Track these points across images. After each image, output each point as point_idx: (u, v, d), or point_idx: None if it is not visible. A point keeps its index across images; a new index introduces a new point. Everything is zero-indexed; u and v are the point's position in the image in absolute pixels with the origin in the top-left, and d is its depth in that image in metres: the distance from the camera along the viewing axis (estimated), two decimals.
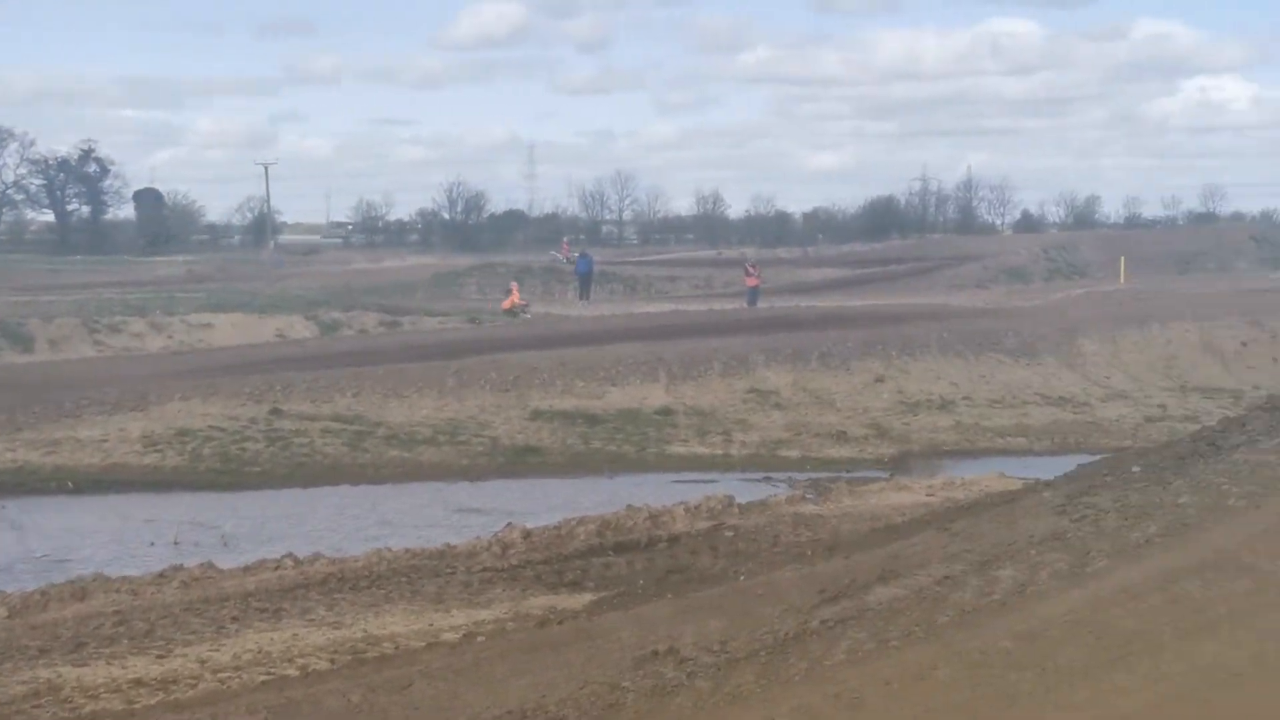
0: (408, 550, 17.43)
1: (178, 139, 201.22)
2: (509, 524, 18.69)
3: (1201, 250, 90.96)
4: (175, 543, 20.09)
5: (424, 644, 12.66)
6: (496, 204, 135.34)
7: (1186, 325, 39.81)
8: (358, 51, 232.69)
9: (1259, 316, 40.95)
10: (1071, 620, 10.22)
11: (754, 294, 55.33)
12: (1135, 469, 14.51)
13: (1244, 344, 38.82)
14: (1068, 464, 20.12)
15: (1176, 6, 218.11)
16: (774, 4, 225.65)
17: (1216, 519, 12.13)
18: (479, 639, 12.58)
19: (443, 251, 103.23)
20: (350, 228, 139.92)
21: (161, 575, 16.10)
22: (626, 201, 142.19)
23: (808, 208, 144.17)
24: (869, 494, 21.50)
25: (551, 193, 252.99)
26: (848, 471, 26.38)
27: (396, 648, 12.72)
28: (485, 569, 16.37)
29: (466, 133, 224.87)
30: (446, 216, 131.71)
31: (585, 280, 63.18)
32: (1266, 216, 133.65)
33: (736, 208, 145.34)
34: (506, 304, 52.18)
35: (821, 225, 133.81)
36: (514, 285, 56.04)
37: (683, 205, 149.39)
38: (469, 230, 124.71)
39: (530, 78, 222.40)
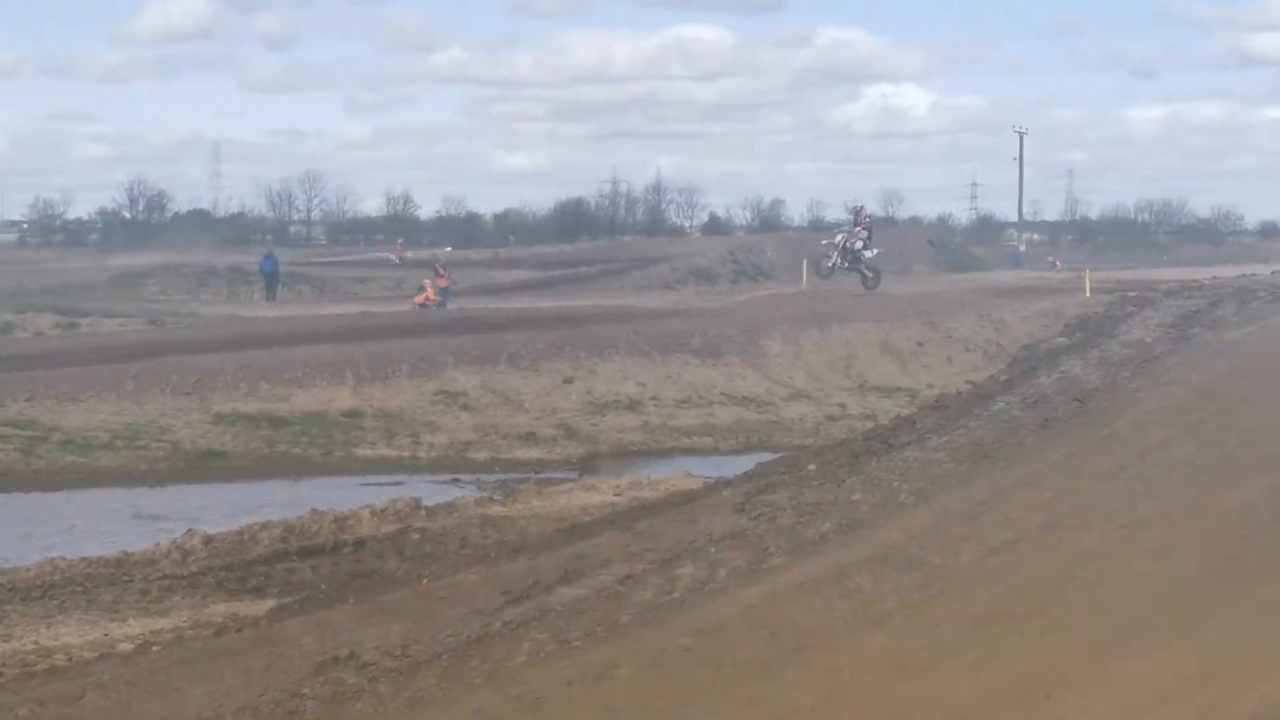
0: (83, 559, 16.88)
1: None
2: (190, 530, 18.26)
3: (881, 253, 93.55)
4: None
5: (97, 655, 12.30)
6: (181, 203, 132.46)
7: (866, 326, 40.88)
8: (36, 43, 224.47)
9: (934, 317, 42.32)
10: (749, 616, 10.44)
11: (444, 295, 55.11)
12: (811, 467, 14.85)
13: (920, 344, 40.06)
14: (752, 462, 20.47)
15: (860, 15, 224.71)
16: (467, 5, 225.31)
17: (888, 515, 12.50)
18: (155, 648, 12.27)
19: (123, 251, 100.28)
20: (25, 226, 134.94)
21: None
22: (315, 202, 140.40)
23: (499, 209, 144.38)
24: (557, 495, 21.57)
25: (238, 192, 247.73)
26: (536, 473, 26.45)
27: (69, 659, 12.34)
28: (164, 576, 15.98)
29: (150, 130, 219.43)
30: (128, 215, 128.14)
31: (271, 281, 62.13)
32: (943, 221, 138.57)
33: (427, 208, 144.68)
34: (420, 299, 52.36)
35: (513, 226, 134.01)
36: (427, 282, 55.02)
37: (373, 206, 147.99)
38: (151, 230, 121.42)
39: (217, 74, 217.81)
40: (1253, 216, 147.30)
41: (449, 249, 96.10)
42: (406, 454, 28.42)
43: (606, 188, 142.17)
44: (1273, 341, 15.13)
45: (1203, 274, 29.49)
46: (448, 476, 26.30)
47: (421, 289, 53.97)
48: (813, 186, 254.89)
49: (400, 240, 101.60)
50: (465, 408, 31.76)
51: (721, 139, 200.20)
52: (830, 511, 12.74)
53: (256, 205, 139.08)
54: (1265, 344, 15.16)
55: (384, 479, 25.82)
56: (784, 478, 14.70)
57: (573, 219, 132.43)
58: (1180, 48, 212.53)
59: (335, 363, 33.00)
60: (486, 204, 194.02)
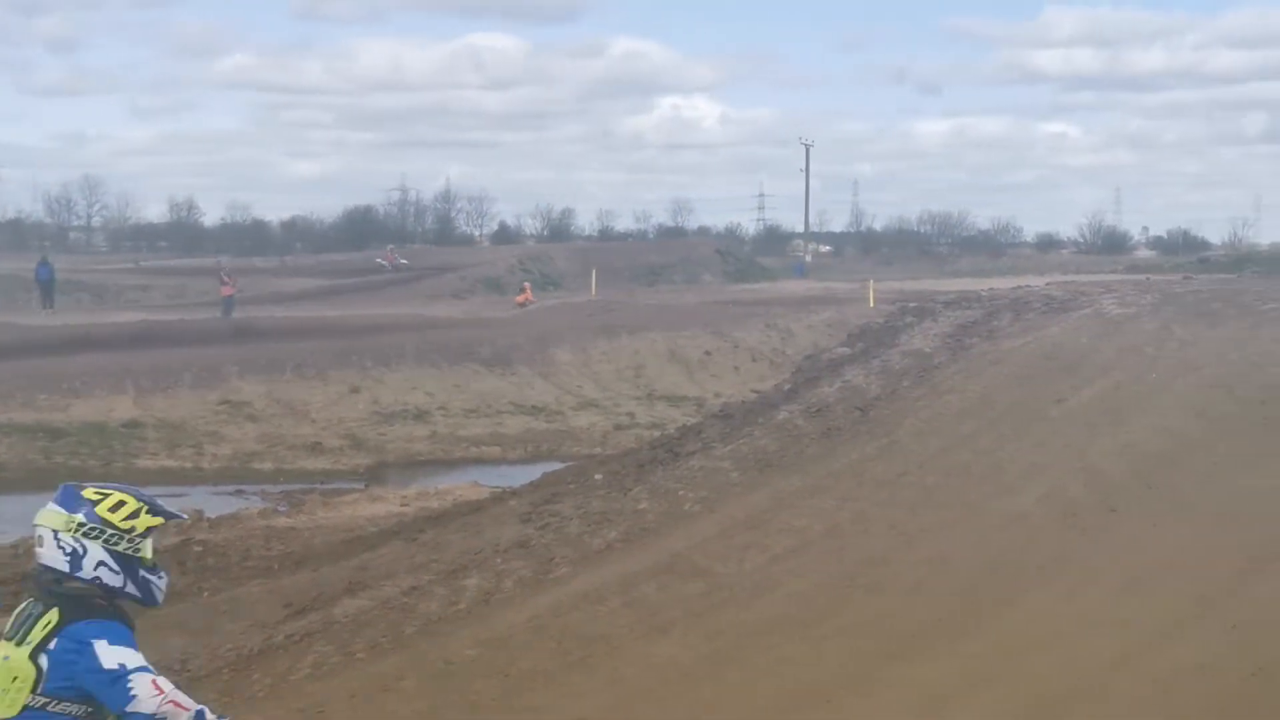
0: None
1: None
2: None
3: (670, 263, 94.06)
4: None
5: None
6: None
7: (654, 335, 41.13)
8: None
9: (721, 327, 42.72)
10: (534, 626, 10.43)
11: (229, 303, 54.21)
12: (598, 477, 14.90)
13: (707, 353, 40.41)
14: (540, 472, 20.49)
15: (653, 27, 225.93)
16: (255, 10, 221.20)
17: (673, 524, 12.58)
18: None
19: None
20: None
21: None
22: (96, 208, 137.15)
23: (287, 216, 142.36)
24: (343, 505, 21.36)
25: (15, 197, 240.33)
26: (322, 483, 26.13)
27: None
28: None
29: None
30: None
31: (47, 288, 60.48)
32: (731, 231, 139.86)
33: (212, 215, 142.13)
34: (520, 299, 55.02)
35: (300, 234, 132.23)
36: (528, 284, 59.39)
37: (155, 212, 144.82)
38: None
39: None
40: (1031, 229, 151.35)
41: (223, 257, 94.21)
42: (189, 465, 27.90)
43: (395, 196, 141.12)
44: (1047, 352, 15.54)
45: (982, 285, 30.18)
46: (232, 487, 25.86)
47: (522, 289, 56.80)
48: (603, 196, 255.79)
49: (390, 246, 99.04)
50: (250, 418, 31.28)
51: (513, 148, 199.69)
52: (616, 521, 12.79)
53: (34, 210, 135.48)
54: (1040, 354, 15.56)
55: (166, 490, 25.24)
56: (571, 487, 14.73)
57: (361, 226, 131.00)
58: (964, 64, 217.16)
59: (115, 372, 32.27)
60: (273, 211, 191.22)
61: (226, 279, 56.64)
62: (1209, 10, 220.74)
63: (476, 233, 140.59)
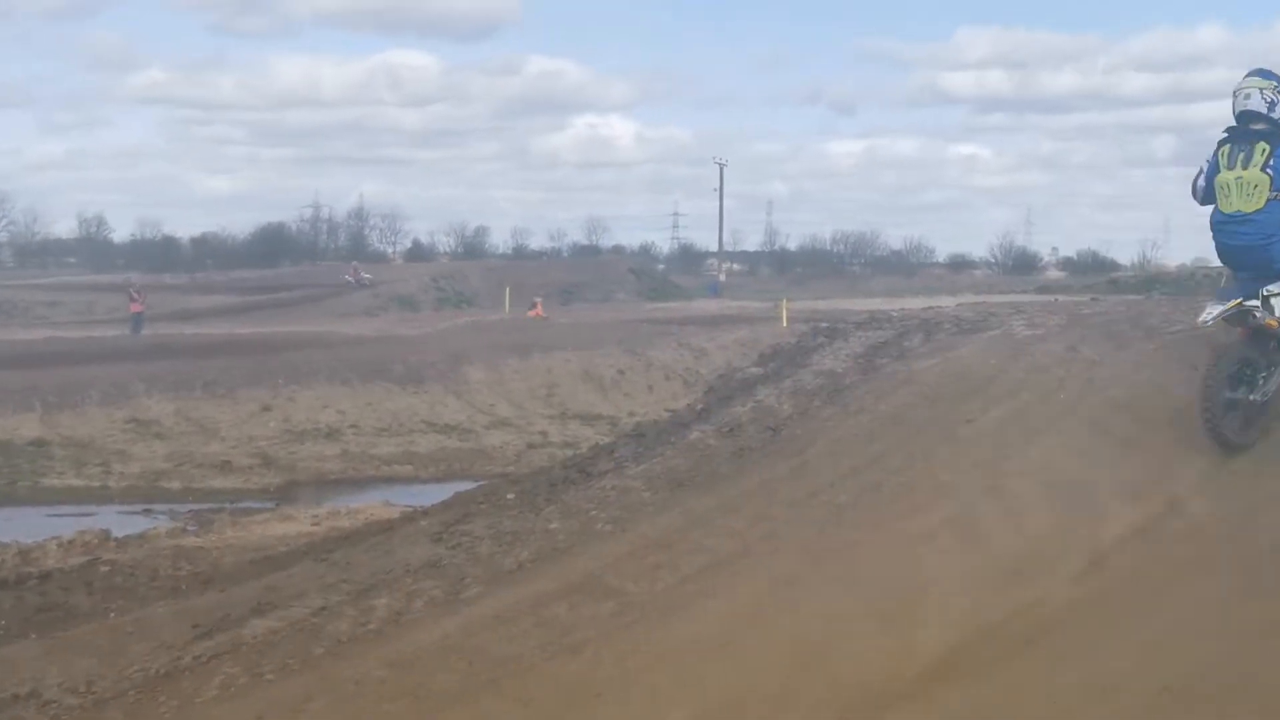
0: None
1: None
2: None
3: (584, 281, 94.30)
4: None
5: None
6: None
7: (568, 354, 41.16)
8: None
9: (635, 346, 42.83)
10: (445, 647, 10.39)
11: (138, 320, 53.74)
12: (510, 496, 14.85)
13: (621, 372, 40.50)
14: (453, 490, 20.43)
15: (569, 46, 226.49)
16: (168, 25, 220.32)
17: (585, 544, 12.56)
18: None
19: None
20: None
21: None
22: (3, 223, 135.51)
23: (198, 232, 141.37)
24: (253, 525, 21.22)
25: None
26: (232, 502, 25.99)
27: None
28: None
29: None
30: None
31: None
32: (645, 250, 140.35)
33: (123, 231, 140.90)
34: (533, 313, 55.95)
35: (211, 251, 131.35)
36: (538, 300, 61.05)
37: (64, 228, 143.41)
38: None
39: None
40: (943, 249, 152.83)
41: (133, 274, 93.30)
42: (97, 484, 27.64)
43: (308, 212, 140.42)
44: (956, 372, 15.63)
45: (894, 305, 30.37)
46: (140, 506, 25.68)
47: (534, 304, 56.61)
48: (518, 214, 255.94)
49: (355, 263, 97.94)
50: (159, 436, 31.03)
51: (428, 165, 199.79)
52: (528, 541, 12.75)
53: None
54: (950, 375, 15.65)
55: (73, 509, 25.07)
56: (482, 507, 14.67)
57: (273, 243, 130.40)
58: (878, 85, 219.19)
59: (21, 390, 31.93)
60: (185, 228, 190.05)
61: (135, 295, 56.14)
62: (1119, 34, 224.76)
63: (390, 250, 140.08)
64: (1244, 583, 10.53)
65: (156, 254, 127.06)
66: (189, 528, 21.66)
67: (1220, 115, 12.73)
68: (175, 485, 27.76)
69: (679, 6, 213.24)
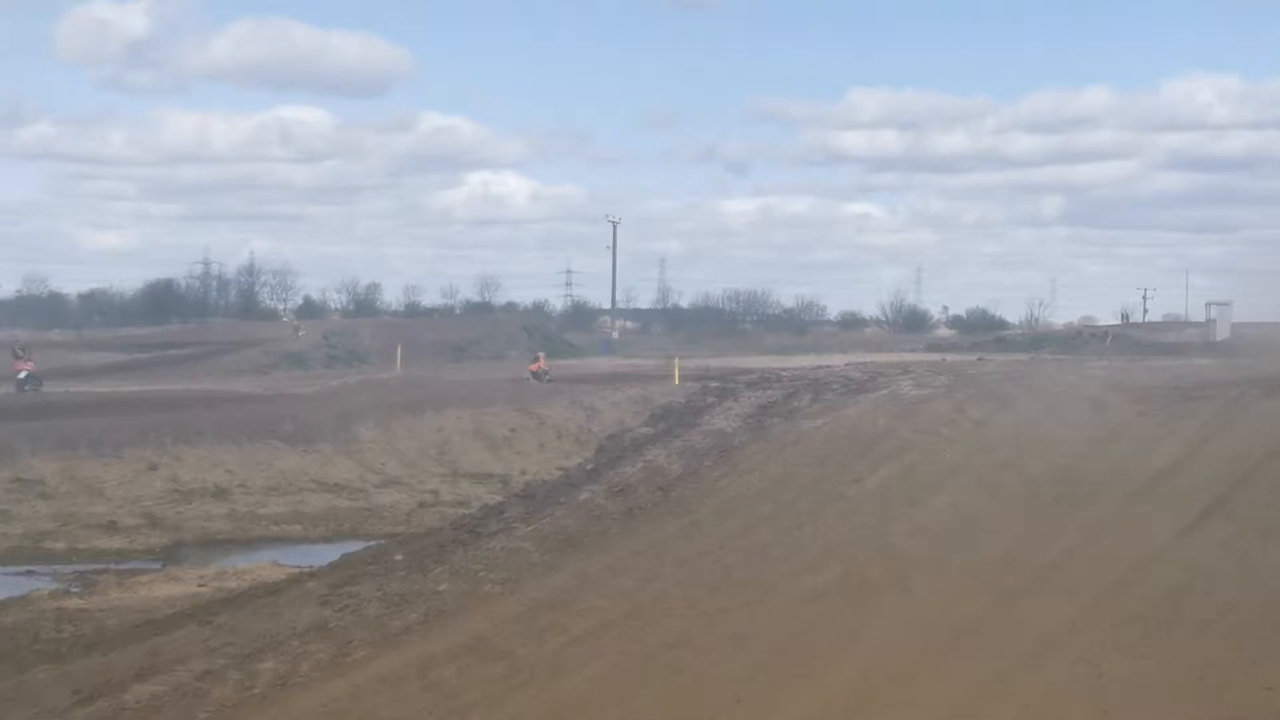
0: None
1: None
2: None
3: (476, 339, 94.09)
4: None
5: None
6: None
7: (459, 412, 40.93)
8: None
9: (527, 404, 42.68)
10: (331, 711, 10.28)
11: (29, 379, 52.93)
12: (398, 557, 14.77)
13: (513, 430, 40.32)
14: (342, 551, 20.27)
15: (463, 103, 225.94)
16: (58, 79, 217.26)
17: (474, 605, 12.51)
18: None
19: None
20: None
21: None
22: None
23: (86, 289, 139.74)
24: (138, 586, 20.92)
25: None
26: (118, 563, 25.54)
27: None
28: None
29: None
30: None
31: None
32: (538, 307, 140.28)
33: (7, 288, 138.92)
34: (534, 367, 55.93)
35: (100, 307, 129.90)
36: (542, 355, 60.74)
37: None
38: None
39: None
40: (835, 307, 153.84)
41: (18, 331, 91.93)
42: None
43: (198, 269, 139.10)
44: (844, 432, 15.77)
45: (786, 363, 30.57)
46: (22, 568, 25.16)
47: (536, 359, 58.22)
48: (410, 271, 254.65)
49: (293, 317, 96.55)
50: (43, 496, 30.49)
51: (320, 221, 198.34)
52: (416, 602, 12.69)
53: None
54: (838, 435, 15.79)
55: None
56: (371, 568, 14.58)
57: (162, 300, 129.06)
58: (771, 143, 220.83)
59: None
60: (72, 284, 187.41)
61: (20, 353, 55.23)
62: (1008, 95, 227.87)
63: (280, 307, 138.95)
64: (1127, 638, 10.68)
65: (43, 310, 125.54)
66: (73, 589, 21.29)
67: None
68: (59, 546, 27.24)
69: (574, 64, 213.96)
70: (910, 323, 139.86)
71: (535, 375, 54.67)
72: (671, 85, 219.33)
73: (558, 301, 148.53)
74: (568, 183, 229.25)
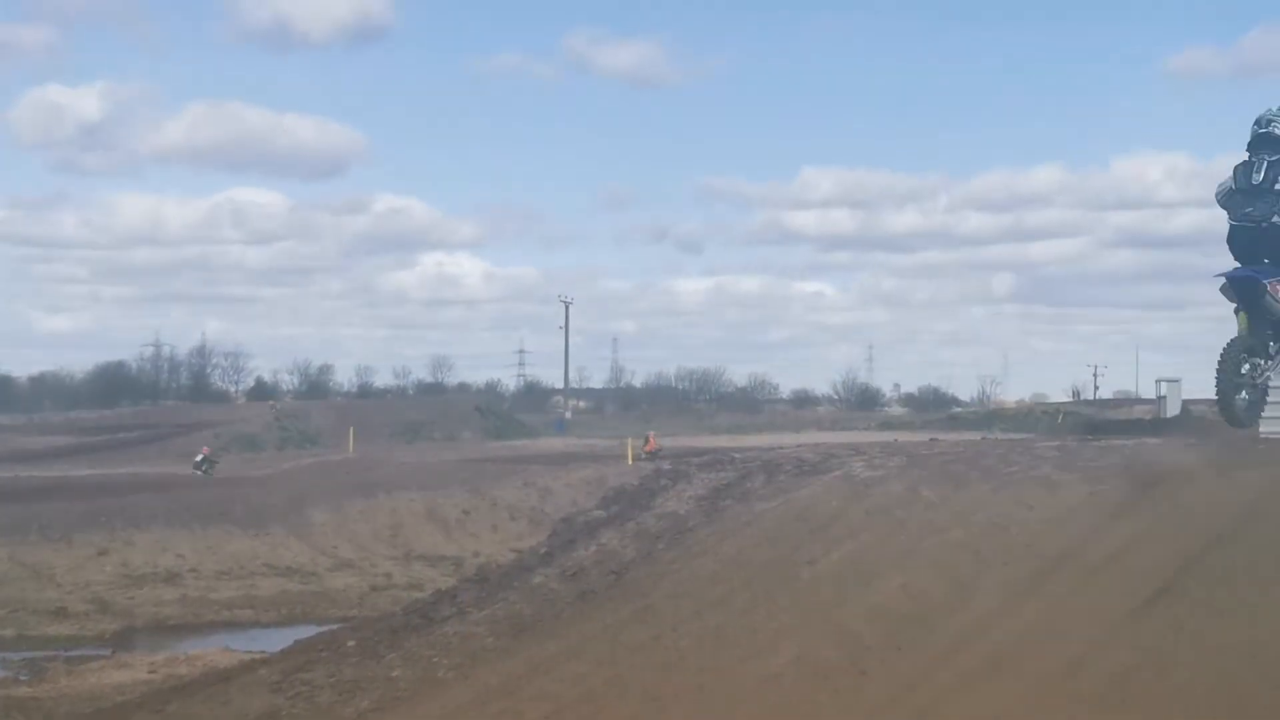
0: None
1: None
2: None
3: (429, 420, 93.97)
4: None
5: None
6: None
7: (412, 495, 40.87)
8: None
9: (480, 486, 42.64)
10: None
11: None
12: (351, 643, 14.69)
13: (466, 512, 40.27)
14: (295, 635, 20.16)
15: (416, 185, 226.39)
16: (8, 161, 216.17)
17: (427, 691, 12.45)
18: None
19: None
20: None
21: None
22: None
23: (36, 371, 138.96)
24: (88, 673, 20.77)
25: None
26: (68, 650, 25.35)
27: None
28: None
29: None
30: None
31: None
32: (491, 387, 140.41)
33: None
34: (648, 447, 55.35)
35: (49, 390, 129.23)
36: (651, 434, 61.79)
37: None
38: None
39: None
40: (787, 385, 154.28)
41: None
42: None
43: (149, 351, 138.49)
44: (798, 514, 15.77)
45: (739, 442, 30.59)
46: None
47: (646, 439, 58.62)
48: (363, 352, 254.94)
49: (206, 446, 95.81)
50: None
51: (272, 303, 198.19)
52: (369, 689, 12.62)
53: None
54: (791, 516, 15.78)
55: None
56: (323, 654, 14.49)
57: (113, 383, 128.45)
58: (724, 223, 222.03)
59: None
60: (22, 366, 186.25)
61: None
62: (959, 174, 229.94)
63: (233, 389, 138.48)
64: None
65: None
66: (21, 677, 21.12)
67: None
68: (8, 632, 27.01)
69: (527, 144, 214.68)
70: (862, 401, 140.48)
71: (650, 456, 52.10)
72: (625, 165, 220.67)
73: (510, 381, 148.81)
74: (521, 263, 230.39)
